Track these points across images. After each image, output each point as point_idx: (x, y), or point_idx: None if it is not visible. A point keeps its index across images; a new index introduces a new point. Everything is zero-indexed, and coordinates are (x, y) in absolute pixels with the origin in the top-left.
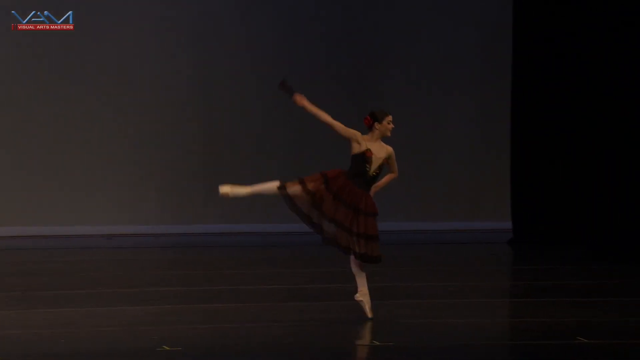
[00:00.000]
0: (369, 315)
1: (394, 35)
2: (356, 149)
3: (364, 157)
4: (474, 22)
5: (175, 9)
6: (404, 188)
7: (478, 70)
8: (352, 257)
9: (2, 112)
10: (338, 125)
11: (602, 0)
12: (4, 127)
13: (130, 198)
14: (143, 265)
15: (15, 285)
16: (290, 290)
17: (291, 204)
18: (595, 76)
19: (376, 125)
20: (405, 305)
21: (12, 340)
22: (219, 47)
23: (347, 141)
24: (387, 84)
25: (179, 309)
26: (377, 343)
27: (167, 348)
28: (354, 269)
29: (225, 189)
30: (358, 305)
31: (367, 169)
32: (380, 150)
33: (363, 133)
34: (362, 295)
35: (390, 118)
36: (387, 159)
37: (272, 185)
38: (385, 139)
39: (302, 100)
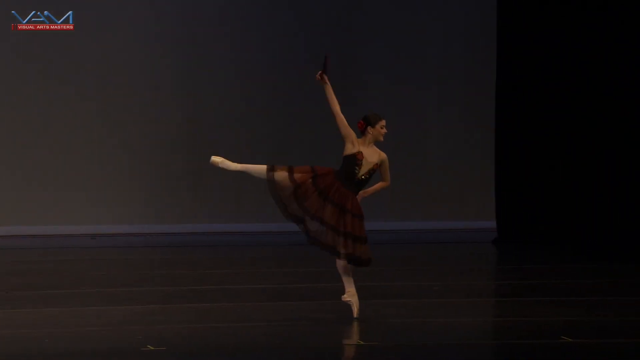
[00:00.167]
0: (355, 315)
1: (378, 36)
2: (349, 149)
3: (355, 160)
4: (458, 23)
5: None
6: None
7: (463, 70)
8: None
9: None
10: (341, 119)
11: (587, 1)
12: None
13: (116, 197)
14: (128, 265)
15: None
16: (277, 290)
17: (272, 188)
18: (578, 76)
19: (369, 129)
20: (391, 304)
21: None
22: (206, 47)
23: (340, 141)
24: (371, 85)
25: (165, 309)
26: (362, 342)
27: (152, 348)
28: (340, 269)
29: (216, 159)
30: (346, 305)
31: (357, 172)
32: (372, 155)
33: (358, 136)
34: (350, 295)
35: (383, 122)
36: (379, 165)
37: (261, 167)
38: (378, 144)
39: (326, 83)
